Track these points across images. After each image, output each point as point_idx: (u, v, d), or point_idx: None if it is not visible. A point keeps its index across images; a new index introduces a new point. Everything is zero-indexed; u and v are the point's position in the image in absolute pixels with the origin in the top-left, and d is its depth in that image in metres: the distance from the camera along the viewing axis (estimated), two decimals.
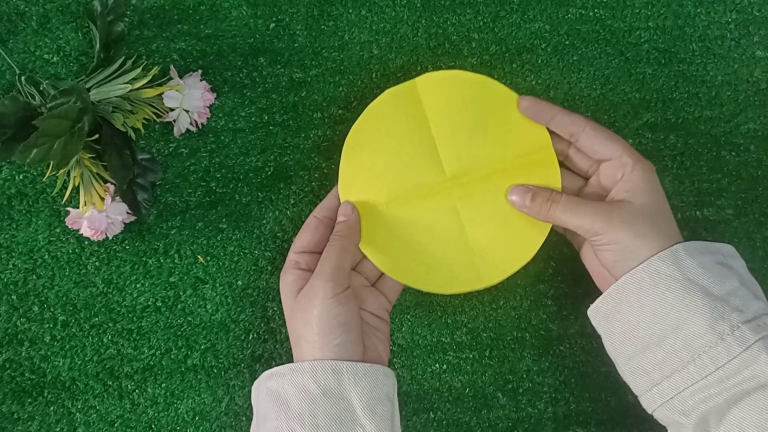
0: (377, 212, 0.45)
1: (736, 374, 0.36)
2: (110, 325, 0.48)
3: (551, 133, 0.45)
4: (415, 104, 0.45)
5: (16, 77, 0.47)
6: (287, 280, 0.43)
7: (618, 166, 0.42)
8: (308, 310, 0.40)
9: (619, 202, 0.42)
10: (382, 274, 0.46)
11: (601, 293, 0.42)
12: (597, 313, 0.42)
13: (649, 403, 0.40)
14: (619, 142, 0.43)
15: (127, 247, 0.48)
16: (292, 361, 0.41)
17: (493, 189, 0.44)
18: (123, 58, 0.47)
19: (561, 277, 0.50)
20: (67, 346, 0.47)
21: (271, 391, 0.40)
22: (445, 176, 0.44)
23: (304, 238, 0.44)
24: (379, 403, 0.39)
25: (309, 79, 0.50)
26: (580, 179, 0.46)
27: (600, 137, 0.43)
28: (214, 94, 0.48)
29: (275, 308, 0.49)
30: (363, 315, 0.44)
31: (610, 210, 0.41)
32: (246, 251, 0.49)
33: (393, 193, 0.45)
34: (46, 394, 0.47)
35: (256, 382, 0.42)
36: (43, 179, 0.48)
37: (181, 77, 0.47)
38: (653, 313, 0.39)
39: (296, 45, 0.50)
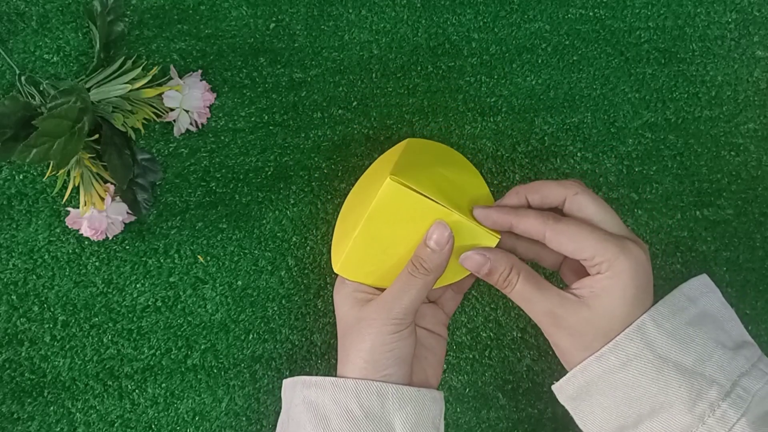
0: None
1: None
2: (110, 325, 0.48)
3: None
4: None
5: (16, 77, 0.47)
6: (347, 290, 0.41)
7: (590, 266, 0.37)
8: (363, 338, 0.38)
9: (580, 301, 0.37)
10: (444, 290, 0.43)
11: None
12: (562, 392, 0.39)
13: None
14: (590, 238, 0.36)
15: (127, 247, 0.48)
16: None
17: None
18: (123, 58, 0.47)
19: (561, 277, 0.50)
20: (67, 346, 0.47)
21: (309, 402, 0.38)
22: None
23: None
24: (422, 429, 0.38)
25: (309, 79, 0.50)
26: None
27: (567, 232, 0.37)
28: (214, 94, 0.48)
29: (275, 308, 0.49)
30: (419, 333, 0.42)
31: (567, 308, 0.37)
32: (246, 251, 0.49)
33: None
34: (46, 394, 0.47)
35: (290, 382, 0.41)
36: (43, 179, 0.48)
37: (181, 77, 0.47)
38: (626, 397, 0.36)
39: (296, 45, 0.50)
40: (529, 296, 0.38)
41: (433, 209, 0.39)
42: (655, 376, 0.35)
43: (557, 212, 0.40)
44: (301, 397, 0.39)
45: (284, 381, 0.42)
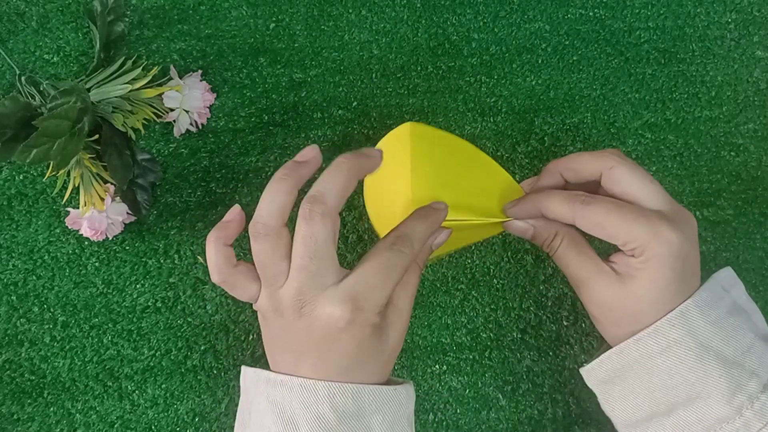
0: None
1: None
2: (110, 325, 0.48)
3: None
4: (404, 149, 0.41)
5: (16, 77, 0.47)
6: None
7: (624, 249, 0.36)
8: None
9: (614, 277, 0.36)
10: None
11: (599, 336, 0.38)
12: (592, 375, 0.38)
13: None
14: (619, 222, 0.35)
15: (127, 248, 0.48)
16: None
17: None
18: (123, 58, 0.47)
19: (561, 277, 0.50)
20: (67, 347, 0.47)
21: (275, 403, 0.35)
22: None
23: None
24: (398, 426, 0.36)
25: (309, 79, 0.50)
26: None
27: (596, 216, 0.35)
28: (214, 94, 0.48)
29: None
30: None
31: (600, 282, 0.36)
32: (246, 252, 0.49)
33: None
34: (45, 395, 0.47)
35: (252, 374, 0.37)
36: (43, 179, 0.48)
37: (181, 77, 0.47)
38: (662, 384, 0.35)
39: (296, 45, 0.50)
40: (567, 262, 0.38)
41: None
42: (695, 364, 0.34)
43: (596, 187, 0.38)
44: (265, 396, 0.35)
45: (243, 369, 0.38)
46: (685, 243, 0.35)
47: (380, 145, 0.43)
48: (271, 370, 0.37)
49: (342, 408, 0.34)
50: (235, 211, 0.37)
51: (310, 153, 0.37)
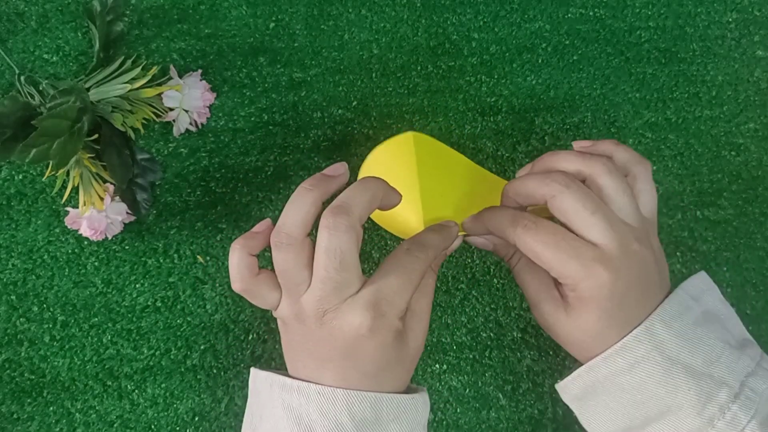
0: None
1: None
2: (110, 325, 0.48)
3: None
4: (409, 156, 0.43)
5: (16, 77, 0.47)
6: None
7: (565, 284, 0.36)
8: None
9: (562, 305, 0.36)
10: None
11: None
12: (566, 391, 0.38)
13: None
14: (553, 258, 0.34)
15: (127, 247, 0.48)
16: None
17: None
18: (122, 57, 0.47)
19: None
20: (67, 347, 0.47)
21: (291, 408, 0.35)
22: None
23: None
24: None
25: (309, 78, 0.50)
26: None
27: (532, 244, 0.35)
28: (214, 94, 0.48)
29: None
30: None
31: (549, 307, 0.37)
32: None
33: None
34: (45, 395, 0.47)
35: (265, 378, 0.37)
36: (43, 179, 0.48)
37: (180, 77, 0.47)
38: (633, 400, 0.35)
39: (296, 45, 0.50)
40: (522, 281, 0.38)
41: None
42: (663, 378, 0.34)
43: None
44: (280, 401, 0.35)
45: (254, 371, 0.38)
46: (619, 282, 0.34)
47: (379, 152, 0.44)
48: (287, 375, 0.37)
49: (360, 416, 0.34)
50: (265, 224, 0.37)
51: (340, 169, 0.37)
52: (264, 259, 0.49)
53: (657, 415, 0.35)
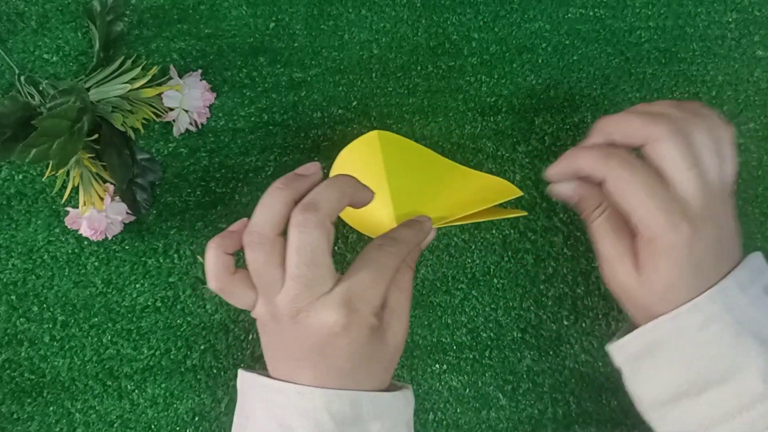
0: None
1: None
2: (110, 325, 0.48)
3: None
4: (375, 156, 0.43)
5: (16, 77, 0.47)
6: None
7: (641, 229, 0.35)
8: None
9: (635, 263, 0.36)
10: None
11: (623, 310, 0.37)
12: (622, 350, 0.37)
13: None
14: (641, 206, 0.34)
15: (127, 247, 0.48)
16: None
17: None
18: (122, 57, 0.47)
19: (561, 277, 0.50)
20: (67, 347, 0.47)
21: (272, 409, 0.35)
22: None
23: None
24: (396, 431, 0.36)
25: (309, 78, 0.50)
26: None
27: (623, 187, 0.34)
28: (214, 94, 0.48)
29: None
30: None
31: (623, 265, 0.36)
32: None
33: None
34: (45, 395, 0.47)
35: (249, 378, 0.37)
36: (43, 179, 0.48)
37: (180, 77, 0.47)
38: (696, 362, 0.34)
39: (296, 45, 0.50)
40: (600, 235, 0.37)
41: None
42: (732, 340, 0.33)
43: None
44: (263, 402, 0.36)
45: (241, 372, 0.38)
46: (700, 243, 0.34)
47: (346, 154, 0.44)
48: (269, 376, 0.37)
49: (340, 415, 0.34)
50: (241, 223, 0.37)
51: (312, 168, 0.37)
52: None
53: (719, 379, 0.34)
